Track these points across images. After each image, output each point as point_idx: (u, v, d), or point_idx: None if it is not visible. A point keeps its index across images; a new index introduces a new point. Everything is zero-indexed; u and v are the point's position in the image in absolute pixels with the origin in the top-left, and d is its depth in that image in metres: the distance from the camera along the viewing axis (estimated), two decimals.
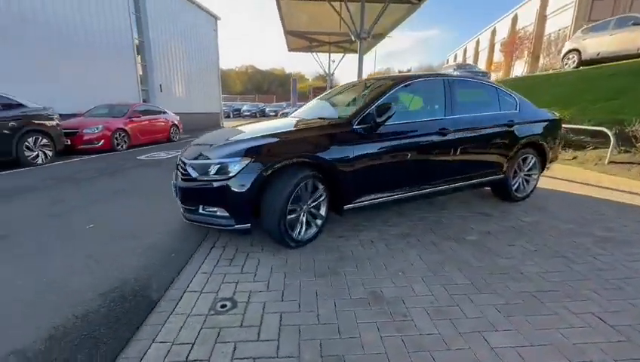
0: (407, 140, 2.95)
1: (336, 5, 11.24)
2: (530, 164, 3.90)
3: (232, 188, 2.34)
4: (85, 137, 8.45)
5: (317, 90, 31.20)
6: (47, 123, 7.21)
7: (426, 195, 3.24)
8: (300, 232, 2.63)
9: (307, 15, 14.48)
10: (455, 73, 19.04)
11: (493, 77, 24.88)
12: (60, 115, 8.70)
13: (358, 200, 2.83)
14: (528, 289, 2.08)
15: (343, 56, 21.79)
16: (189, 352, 1.54)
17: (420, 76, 3.29)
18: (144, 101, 14.07)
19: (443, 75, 3.39)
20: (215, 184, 2.37)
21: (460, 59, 43.05)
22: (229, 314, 1.82)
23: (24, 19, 9.47)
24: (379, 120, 2.71)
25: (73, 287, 2.15)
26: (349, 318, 1.79)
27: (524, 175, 3.92)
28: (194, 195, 2.52)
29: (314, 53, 21.33)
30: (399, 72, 79.50)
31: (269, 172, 2.39)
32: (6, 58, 8.97)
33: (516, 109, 3.73)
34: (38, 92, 9.05)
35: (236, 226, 2.43)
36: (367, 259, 2.49)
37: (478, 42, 37.07)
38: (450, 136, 3.14)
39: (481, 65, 33.95)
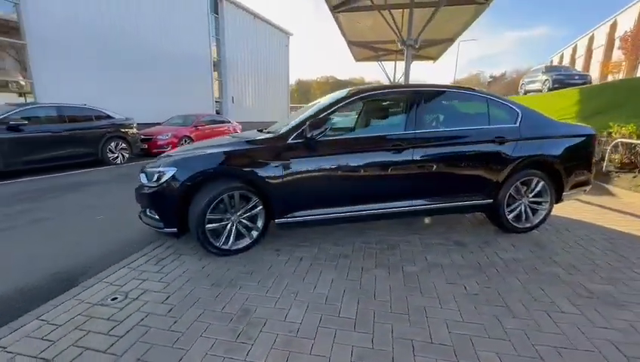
0: (350, 156, 2.80)
1: (389, 13, 10.97)
2: (537, 190, 3.21)
3: (161, 195, 2.62)
4: (158, 142, 10.08)
5: None
6: (127, 131, 8.89)
7: (378, 216, 3.00)
8: (227, 241, 2.74)
9: (366, 25, 14.45)
10: (540, 78, 16.49)
11: (610, 79, 20.56)
12: (145, 123, 10.64)
13: (290, 216, 2.80)
14: (406, 335, 1.78)
15: (410, 63, 20.83)
16: (50, 333, 1.81)
17: (380, 88, 3.08)
18: (217, 112, 16.04)
19: (411, 87, 3.09)
20: (151, 190, 2.68)
21: (566, 60, 36.88)
22: (111, 306, 2.06)
23: (124, 47, 11.90)
24: (309, 135, 2.66)
25: (38, 266, 2.70)
26: (197, 329, 1.84)
27: (529, 202, 3.25)
28: (141, 199, 2.87)
29: (380, 63, 21.00)
30: (490, 77, 71.68)
31: (192, 182, 2.59)
32: (111, 77, 11.42)
33: (515, 123, 3.14)
34: (130, 104, 11.24)
35: (165, 229, 2.69)
36: (278, 276, 2.46)
37: (591, 39, 31.21)
38: (407, 153, 2.85)
39: (595, 66, 28.46)
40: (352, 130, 3.20)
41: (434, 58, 20.90)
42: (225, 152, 2.71)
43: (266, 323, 1.89)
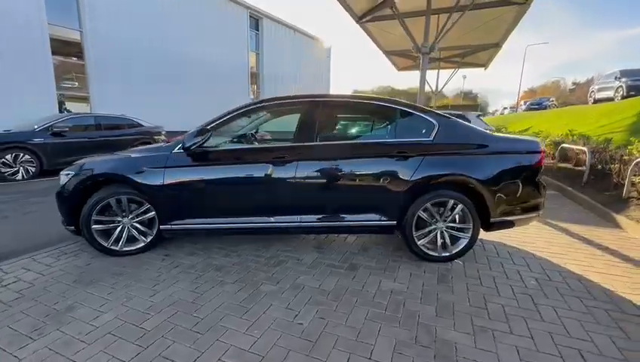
0: (229, 167, 2.79)
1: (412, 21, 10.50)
2: (454, 214, 2.78)
3: (61, 195, 2.92)
4: None
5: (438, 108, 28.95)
6: (156, 137, 9.96)
7: (263, 230, 2.90)
8: (117, 243, 2.92)
9: (397, 34, 14.00)
10: (613, 84, 14.03)
11: None
12: (182, 131, 11.76)
13: (174, 223, 2.88)
14: (182, 356, 1.70)
15: (455, 72, 19.59)
16: None
17: (275, 99, 3.00)
18: None
19: (308, 97, 2.94)
20: (57, 191, 3.00)
21: None
22: None
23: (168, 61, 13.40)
24: (187, 145, 2.72)
25: None
26: (12, 319, 2.01)
27: (447, 227, 2.82)
28: (55, 197, 3.18)
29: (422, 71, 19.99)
30: (573, 84, 63.16)
31: (83, 185, 2.84)
32: (154, 90, 12.92)
33: (429, 137, 2.78)
34: (169, 114, 12.58)
35: (66, 227, 2.98)
36: (136, 280, 2.54)
37: None
38: (291, 166, 2.72)
39: None
40: (248, 141, 3.18)
41: (484, 65, 19.29)
42: (114, 159, 2.91)
43: (70, 323, 1.99)
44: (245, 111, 2.95)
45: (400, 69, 20.80)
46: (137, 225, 2.96)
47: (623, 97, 13.23)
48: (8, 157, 7.06)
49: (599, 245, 3.31)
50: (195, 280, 2.53)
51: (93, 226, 2.83)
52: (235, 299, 2.27)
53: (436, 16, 10.02)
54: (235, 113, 2.93)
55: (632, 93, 12.98)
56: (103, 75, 11.50)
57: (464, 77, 35.06)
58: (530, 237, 3.51)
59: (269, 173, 2.74)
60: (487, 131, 2.96)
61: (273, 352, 1.75)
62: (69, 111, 12.77)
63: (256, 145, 2.93)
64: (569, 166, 7.32)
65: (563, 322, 2.02)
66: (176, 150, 2.83)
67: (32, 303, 2.20)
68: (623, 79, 13.75)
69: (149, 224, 2.99)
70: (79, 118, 8.69)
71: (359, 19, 11.35)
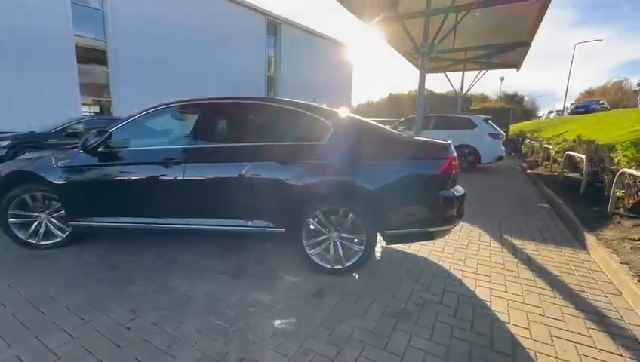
0: (123, 168, 2.85)
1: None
2: (347, 223, 2.57)
3: None
4: None
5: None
6: None
7: (156, 231, 2.91)
8: (34, 236, 3.10)
9: (415, 35, 13.46)
10: None
11: None
12: None
13: (80, 219, 2.99)
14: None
15: (481, 73, 18.41)
16: None
17: (172, 103, 2.98)
18: None
19: (201, 100, 2.90)
20: None
21: None
22: None
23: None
24: (87, 145, 2.81)
25: None
26: None
27: (341, 238, 2.62)
28: None
29: (445, 74, 19.05)
30: (639, 85, 56.47)
31: (4, 181, 3.06)
32: (171, 93, 13.73)
33: (322, 140, 2.61)
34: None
35: None
36: (27, 273, 2.67)
37: None
38: (178, 168, 2.71)
39: None
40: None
41: (515, 65, 17.93)
42: (32, 158, 3.11)
43: None
44: (146, 114, 2.99)
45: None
46: (54, 221, 3.12)
47: None
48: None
49: (538, 267, 2.86)
50: (77, 277, 2.59)
51: (10, 220, 3.03)
52: (90, 298, 2.28)
53: (439, 17, 9.48)
54: (136, 116, 2.99)
55: None
56: (124, 82, 12.48)
57: (502, 79, 32.75)
58: (465, 253, 3.14)
59: (159, 174, 2.75)
60: (397, 133, 2.70)
61: (75, 354, 1.72)
62: (106, 114, 14.09)
63: (151, 146, 2.95)
64: (577, 176, 6.49)
65: (405, 353, 1.76)
66: (78, 150, 2.95)
67: None
68: None
69: (65, 220, 3.13)
70: (92, 120, 9.47)
71: (369, 22, 11.15)
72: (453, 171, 2.55)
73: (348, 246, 2.63)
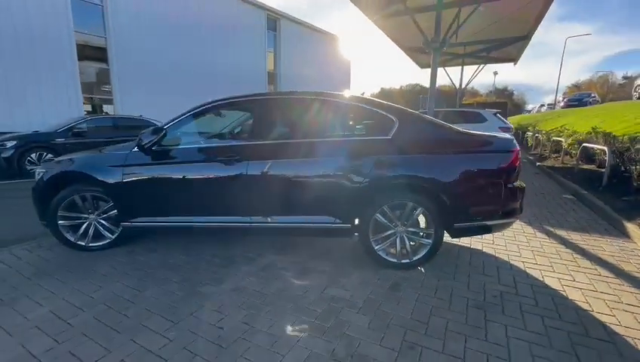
0: (183, 166, 2.78)
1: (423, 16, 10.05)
2: (414, 218, 2.58)
3: (34, 191, 3.07)
4: None
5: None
6: None
7: (216, 230, 2.87)
8: (84, 239, 3.02)
9: (417, 30, 13.48)
10: None
11: None
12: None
13: (134, 220, 2.93)
14: (82, 350, 1.70)
15: (480, 68, 18.57)
16: None
17: (227, 98, 2.93)
18: None
19: (258, 95, 2.85)
20: (32, 186, 3.16)
21: None
22: None
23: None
24: (142, 143, 2.75)
25: None
26: None
27: (407, 232, 2.63)
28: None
29: (445, 69, 19.16)
30: (623, 78, 57.69)
31: (52, 182, 2.96)
32: (173, 91, 13.45)
33: (388, 135, 2.60)
34: None
35: (40, 221, 3.13)
36: (85, 275, 2.59)
37: None
38: (240, 166, 2.67)
39: None
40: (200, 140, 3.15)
41: (513, 59, 18.12)
42: (81, 157, 3.02)
43: (8, 314, 2.06)
44: (200, 110, 2.93)
45: (423, 66, 20.02)
46: (103, 222, 3.05)
47: None
48: (33, 155, 7.64)
49: (593, 256, 2.93)
50: (142, 278, 2.55)
51: (60, 222, 2.94)
52: (169, 299, 2.25)
53: (451, 10, 9.53)
54: (190, 113, 2.92)
55: None
56: (125, 79, 12.18)
57: (495, 73, 33.13)
58: (516, 245, 3.19)
59: (220, 172, 2.70)
60: (459, 128, 2.71)
61: (179, 356, 1.70)
62: (106, 113, 13.73)
63: (211, 143, 2.91)
64: (592, 167, 6.64)
65: (509, 344, 1.79)
66: (134, 148, 2.88)
67: None
68: None
69: (114, 221, 3.06)
70: (98, 119, 9.24)
71: (372, 15, 11.09)
72: (518, 164, 2.58)
73: (415, 241, 2.64)
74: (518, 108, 53.20)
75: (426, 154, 2.54)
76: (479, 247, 3.13)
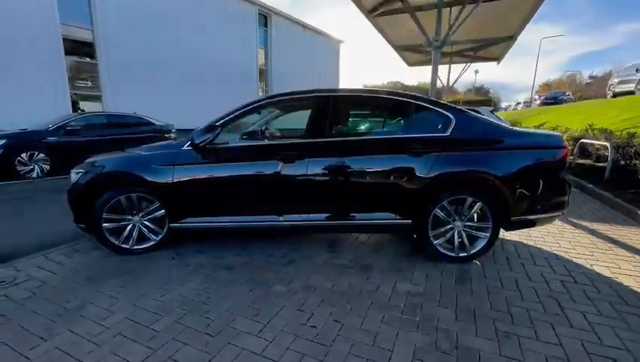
0: (239, 165, 2.73)
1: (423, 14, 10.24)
2: (473, 212, 2.66)
3: (72, 193, 2.91)
4: None
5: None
6: (166, 135, 10.02)
7: (273, 229, 2.84)
8: (128, 241, 2.89)
9: (410, 28, 13.70)
10: (635, 77, 13.49)
11: None
12: (190, 129, 11.83)
13: (184, 221, 2.84)
14: (189, 359, 1.65)
15: (467, 66, 19.11)
16: None
17: (283, 94, 2.90)
18: None
19: (317, 92, 2.83)
20: (68, 188, 2.99)
21: None
22: None
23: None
24: (196, 141, 2.67)
25: None
26: (20, 318, 2.00)
27: (464, 227, 2.70)
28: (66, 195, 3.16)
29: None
30: (589, 77, 61.06)
31: (93, 183, 2.82)
32: (165, 88, 13.00)
33: (445, 132, 2.66)
34: (179, 111, 12.64)
35: (76, 224, 2.97)
36: (144, 279, 2.50)
37: None
38: (302, 164, 2.64)
39: None
40: (259, 137, 3.10)
41: (497, 59, 18.73)
42: (125, 157, 2.88)
43: (80, 323, 1.96)
44: (254, 107, 2.88)
45: (411, 64, 20.35)
46: (148, 224, 2.93)
47: None
48: (24, 155, 7.17)
49: (627, 246, 3.14)
50: (205, 280, 2.49)
51: (104, 224, 2.80)
52: (246, 300, 2.21)
53: (448, 9, 9.75)
54: (243, 109, 2.86)
55: None
56: (114, 75, 11.63)
57: (476, 72, 34.28)
58: (552, 237, 3.35)
59: (279, 170, 2.67)
60: (507, 126, 2.81)
61: (287, 357, 1.68)
62: (82, 110, 13.02)
63: (266, 142, 2.86)
64: (588, 162, 7.04)
65: (594, 329, 1.89)
66: (185, 147, 2.79)
67: (43, 302, 2.19)
68: None
69: (159, 222, 2.95)
70: (92, 116, 8.79)
71: (369, 12, 11.13)
72: (567, 159, 2.72)
73: (472, 235, 2.72)
74: (495, 106, 55.41)
75: (484, 151, 2.63)
76: (517, 239, 3.26)
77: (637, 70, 13.79)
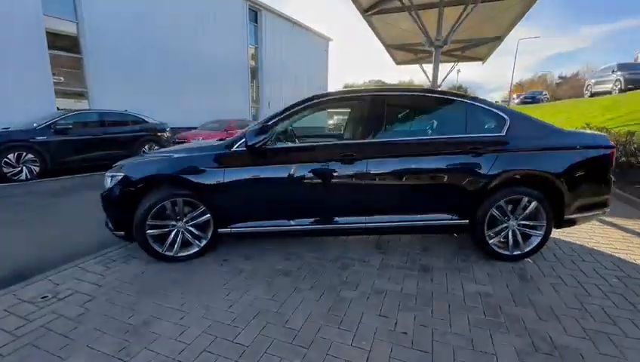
0: (294, 166, 2.62)
1: (420, 13, 10.36)
2: (528, 211, 2.69)
3: (109, 198, 2.70)
4: None
5: None
6: (160, 134, 9.61)
7: (331, 232, 2.77)
8: (172, 248, 2.72)
9: (402, 27, 13.84)
10: (611, 77, 14.29)
11: None
12: (183, 128, 11.41)
13: (234, 226, 2.71)
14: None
15: (454, 66, 19.55)
16: None
17: (338, 93, 2.84)
18: (254, 116, 16.65)
19: (373, 91, 2.78)
20: (103, 193, 2.78)
21: None
22: (34, 304, 2.15)
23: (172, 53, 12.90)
24: (250, 142, 2.54)
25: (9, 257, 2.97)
26: (88, 338, 1.82)
27: (519, 225, 2.74)
28: (101, 201, 2.96)
29: (421, 65, 19.95)
30: (559, 77, 64.03)
31: (135, 187, 2.63)
32: (153, 85, 12.45)
33: (501, 132, 2.68)
34: (170, 109, 12.16)
35: (114, 232, 2.77)
36: (203, 288, 2.36)
37: None
38: (360, 164, 2.58)
39: None
40: (311, 137, 3.02)
41: (482, 59, 19.30)
42: (169, 159, 2.71)
43: (156, 341, 1.81)
44: (303, 107, 2.78)
45: (398, 62, 20.53)
46: (192, 229, 2.77)
47: (621, 90, 13.49)
48: (11, 156, 6.65)
49: None
50: (268, 287, 2.38)
51: (148, 231, 2.62)
52: (321, 307, 2.13)
53: (447, 8, 9.90)
54: (293, 109, 2.76)
55: (630, 86, 13.23)
56: (100, 70, 10.99)
57: (458, 71, 35.21)
58: (584, 232, 3.47)
59: (336, 171, 2.59)
60: (557, 126, 2.87)
61: None
62: (63, 110, 12.19)
63: (318, 142, 2.77)
64: None
65: None
66: (236, 148, 2.65)
67: (102, 319, 2.01)
68: (620, 72, 14.00)
69: (202, 228, 2.80)
70: (82, 114, 8.30)
71: (365, 11, 11.11)
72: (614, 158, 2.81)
73: (525, 233, 2.76)
74: None
75: (539, 151, 2.67)
76: (556, 236, 3.35)
77: (612, 71, 14.61)
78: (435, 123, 2.82)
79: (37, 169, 6.98)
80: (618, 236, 3.39)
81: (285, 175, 2.61)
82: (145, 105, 10.96)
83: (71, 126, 7.63)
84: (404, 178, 2.62)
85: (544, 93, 26.72)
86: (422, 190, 2.65)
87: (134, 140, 8.79)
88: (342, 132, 3.40)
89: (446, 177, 2.62)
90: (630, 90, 12.96)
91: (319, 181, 2.62)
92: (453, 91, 2.84)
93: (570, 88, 43.84)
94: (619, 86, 13.86)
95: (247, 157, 2.61)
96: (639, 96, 10.61)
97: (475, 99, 2.79)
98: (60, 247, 3.25)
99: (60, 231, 3.73)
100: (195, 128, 12.32)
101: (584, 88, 17.51)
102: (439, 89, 2.88)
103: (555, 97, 33.45)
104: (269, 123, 2.65)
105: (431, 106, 2.80)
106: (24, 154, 6.82)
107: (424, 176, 2.62)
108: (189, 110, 13.49)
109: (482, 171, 2.59)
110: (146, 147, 9.10)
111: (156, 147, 9.35)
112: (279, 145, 2.78)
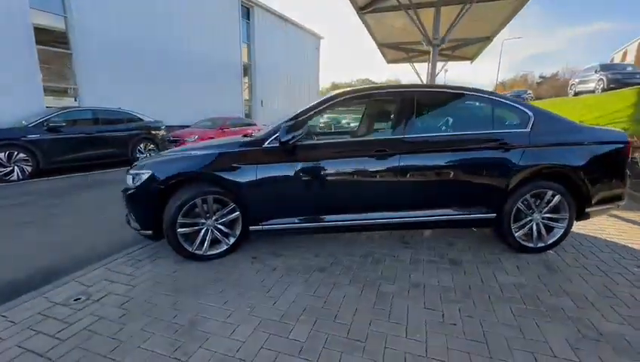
0: (327, 162, 2.62)
1: (416, 13, 10.48)
2: (552, 204, 2.78)
3: (136, 197, 2.63)
4: (186, 144, 10.54)
5: None
6: (156, 133, 9.37)
7: (360, 228, 2.79)
8: (201, 246, 2.68)
9: (396, 26, 13.96)
10: (594, 77, 14.87)
11: None
12: (176, 126, 11.15)
13: (265, 223, 2.69)
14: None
15: (444, 65, 19.90)
16: (3, 331, 1.85)
17: (367, 89, 2.85)
18: (247, 114, 16.46)
19: (403, 87, 2.81)
20: (128, 192, 2.70)
21: (631, 58, 33.04)
22: (70, 307, 2.07)
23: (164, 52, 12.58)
24: (284, 139, 2.52)
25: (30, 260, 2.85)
26: (138, 339, 1.77)
27: (543, 218, 2.82)
28: (125, 200, 2.90)
29: (412, 64, 20.22)
30: (540, 77, 65.92)
31: (165, 185, 2.56)
32: (146, 81, 12.12)
33: (526, 128, 2.75)
34: (163, 107, 11.85)
35: (141, 231, 2.69)
36: (243, 286, 2.34)
37: None
38: (393, 160, 2.60)
39: None
40: (341, 133, 3.02)
41: (471, 58, 19.63)
42: (198, 156, 2.66)
43: (209, 339, 1.78)
44: (333, 103, 2.77)
45: (389, 61, 20.75)
46: (221, 227, 2.73)
47: (604, 90, 14.07)
48: (1, 155, 6.35)
49: None
50: (307, 284, 2.37)
51: (179, 230, 2.57)
52: (366, 302, 2.14)
53: (431, 10, 10.01)
54: (323, 105, 2.75)
55: (612, 85, 13.82)
56: (91, 67, 10.58)
57: (446, 70, 35.77)
58: (595, 225, 3.60)
59: (370, 167, 2.61)
60: (577, 122, 2.98)
61: (456, 357, 1.65)
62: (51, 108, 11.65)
63: (356, 138, 2.78)
64: None
65: None
66: (267, 144, 2.62)
67: (146, 319, 1.96)
68: (603, 72, 14.60)
69: (231, 225, 2.76)
70: (76, 112, 8.00)
71: (360, 9, 11.14)
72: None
73: (549, 226, 2.85)
74: None
75: (563, 146, 2.76)
76: None
77: (595, 71, 15.23)
78: (465, 119, 2.87)
79: (29, 169, 6.69)
80: (627, 228, 3.54)
81: (314, 171, 2.61)
82: (135, 103, 10.64)
83: (64, 124, 7.36)
84: (437, 173, 2.66)
85: (529, 92, 27.53)
86: (453, 185, 2.69)
87: (129, 138, 8.54)
88: (356, 128, 3.40)
89: (476, 172, 2.68)
90: (612, 89, 13.54)
91: (353, 177, 2.63)
92: (482, 89, 2.90)
93: (551, 88, 45.29)
94: (602, 85, 14.45)
95: (280, 153, 2.58)
96: (621, 96, 11.10)
97: (502, 96, 2.86)
98: (77, 249, 3.14)
99: (71, 234, 3.60)
100: (187, 126, 12.08)
101: (568, 87, 18.17)
102: (476, 87, 2.92)
103: (538, 96, 34.54)
104: (300, 119, 2.63)
105: (461, 103, 2.86)
106: (15, 153, 6.52)
107: (456, 172, 2.66)
108: (182, 108, 13.21)
109: (510, 166, 2.66)
110: (141, 145, 8.87)
111: (151, 146, 9.14)
112: (308, 141, 2.77)
